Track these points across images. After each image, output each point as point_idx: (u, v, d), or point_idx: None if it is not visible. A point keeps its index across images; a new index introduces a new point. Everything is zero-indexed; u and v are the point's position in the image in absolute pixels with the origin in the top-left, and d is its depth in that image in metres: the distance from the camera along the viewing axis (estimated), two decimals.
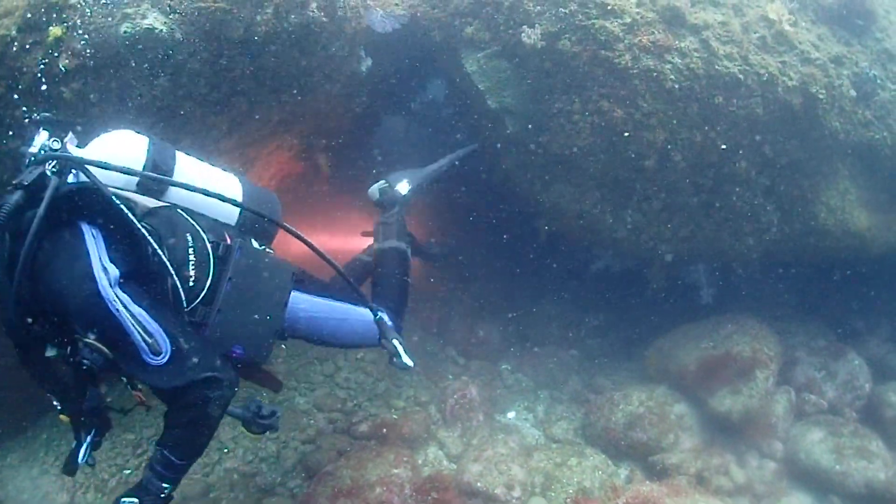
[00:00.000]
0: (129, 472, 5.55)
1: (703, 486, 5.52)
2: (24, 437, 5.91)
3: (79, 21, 4.04)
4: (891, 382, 6.42)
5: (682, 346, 6.59)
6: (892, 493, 5.24)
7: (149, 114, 4.50)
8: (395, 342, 4.42)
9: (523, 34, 5.72)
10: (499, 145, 6.32)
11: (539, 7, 5.73)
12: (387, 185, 5.58)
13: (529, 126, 6.04)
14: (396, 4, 5.92)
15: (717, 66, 5.64)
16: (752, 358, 6.17)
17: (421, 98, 8.14)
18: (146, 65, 4.26)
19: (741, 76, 5.68)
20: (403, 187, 5.59)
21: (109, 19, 4.10)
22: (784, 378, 6.48)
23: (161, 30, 4.15)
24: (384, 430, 5.96)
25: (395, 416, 6.24)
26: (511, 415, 6.72)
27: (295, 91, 5.26)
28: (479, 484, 5.43)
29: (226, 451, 5.75)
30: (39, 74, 3.99)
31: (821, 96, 5.80)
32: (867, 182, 6.27)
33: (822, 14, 6.23)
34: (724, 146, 5.83)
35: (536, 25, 5.72)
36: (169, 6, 4.20)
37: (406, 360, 4.40)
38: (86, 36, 4.06)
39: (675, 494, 4.74)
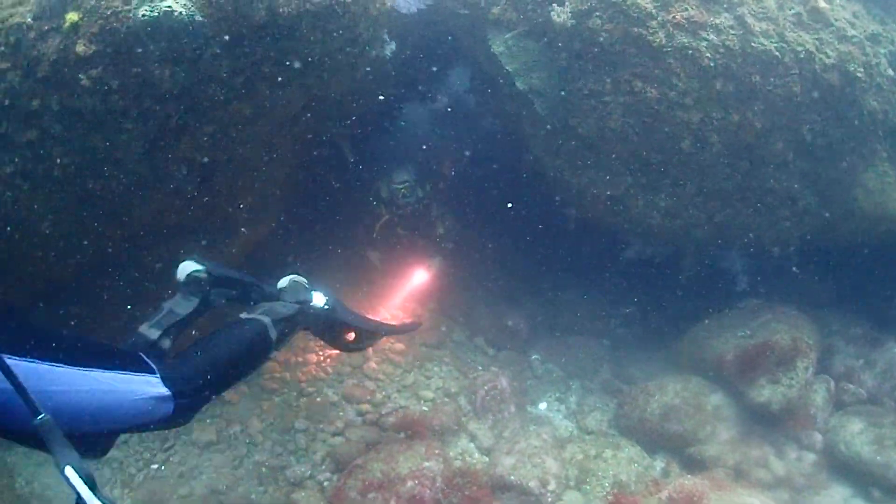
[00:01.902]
0: (156, 466, 5.49)
1: (742, 478, 5.36)
2: None
3: (95, 5, 3.92)
4: None
5: (717, 336, 6.40)
6: None
7: (170, 100, 4.38)
8: None
9: (552, 12, 5.53)
10: (527, 129, 6.15)
11: None
12: (300, 283, 4.45)
13: (559, 108, 5.87)
14: None
15: (753, 44, 5.43)
16: (792, 347, 5.97)
17: (445, 88, 7.99)
18: (166, 49, 4.12)
19: (778, 54, 5.46)
20: (317, 299, 4.43)
21: (127, 3, 3.97)
22: (822, 367, 6.29)
23: (181, 12, 4.01)
24: (414, 421, 5.83)
25: (425, 408, 6.13)
26: (542, 406, 6.58)
27: (318, 75, 5.11)
28: (512, 477, 5.29)
29: (255, 444, 5.67)
30: (57, 61, 3.88)
31: (859, 74, 5.57)
32: None
33: None
34: (760, 126, 5.62)
35: (566, 3, 5.54)
36: None
37: None
38: (102, 20, 3.94)
39: (717, 489, 4.59)
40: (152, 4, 3.93)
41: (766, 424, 5.89)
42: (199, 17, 4.10)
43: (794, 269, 6.81)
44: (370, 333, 4.82)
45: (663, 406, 5.99)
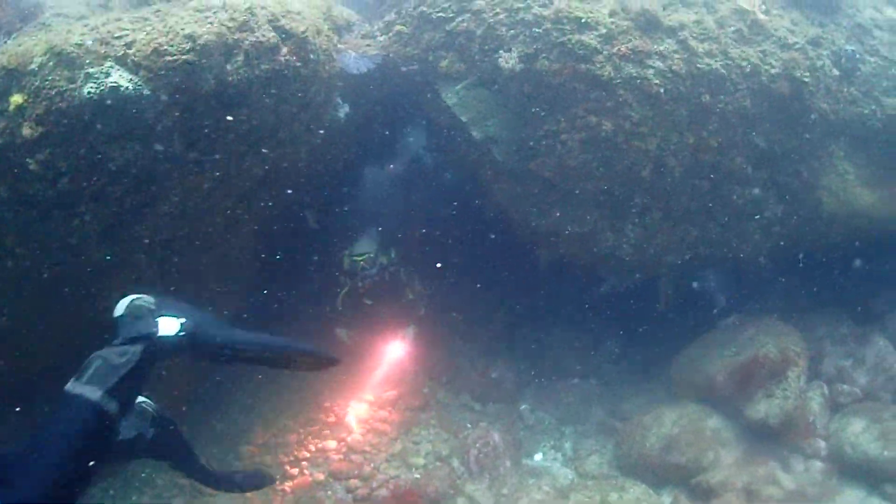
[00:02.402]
0: None
1: (754, 499, 5.18)
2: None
3: (40, 85, 3.80)
4: None
5: (705, 357, 6.33)
6: None
7: (123, 181, 4.22)
8: None
9: (500, 59, 5.61)
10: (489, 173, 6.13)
11: (512, 31, 5.63)
12: (142, 307, 3.26)
13: (518, 153, 5.88)
14: (368, 45, 5.78)
15: (698, 65, 5.57)
16: (782, 358, 5.94)
17: (403, 147, 7.98)
18: (116, 127, 4.00)
19: (724, 71, 5.61)
20: (170, 327, 3.21)
21: (72, 81, 3.86)
22: (813, 372, 6.25)
23: (127, 87, 3.92)
24: (407, 491, 5.54)
25: (416, 476, 5.84)
26: (538, 457, 6.35)
27: (275, 143, 5.02)
28: None
29: None
30: (3, 146, 3.72)
31: (806, 79, 5.75)
32: (863, 159, 6.17)
33: None
34: (716, 144, 5.71)
35: (512, 49, 5.62)
36: (134, 61, 3.98)
37: None
38: (47, 101, 3.82)
39: None
40: (98, 81, 3.83)
41: (768, 439, 5.78)
42: (146, 91, 4.01)
43: (781, 279, 6.83)
44: (279, 358, 3.47)
45: (662, 438, 5.84)
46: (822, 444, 5.66)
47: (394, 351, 7.07)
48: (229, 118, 4.44)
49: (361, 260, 6.88)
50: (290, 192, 6.09)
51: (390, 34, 6.11)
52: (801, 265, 6.83)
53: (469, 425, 6.55)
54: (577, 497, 5.49)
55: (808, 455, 5.65)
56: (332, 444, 6.16)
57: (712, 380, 6.06)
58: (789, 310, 6.73)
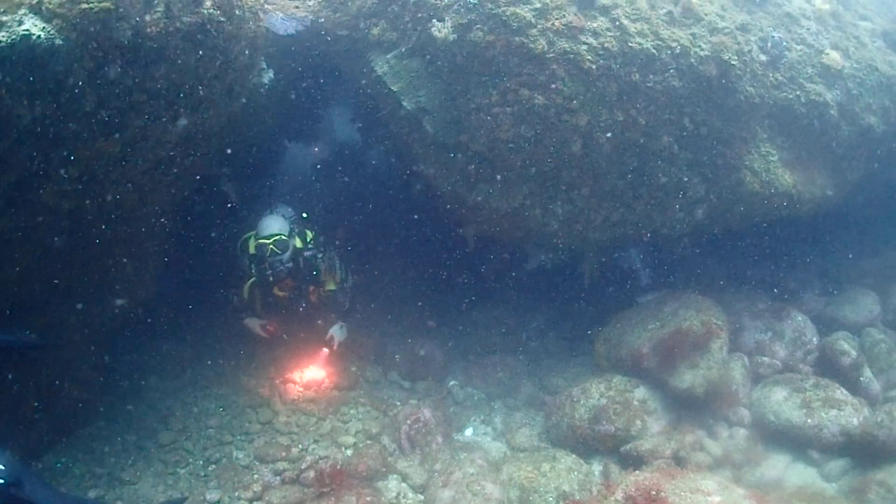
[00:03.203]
0: None
1: (683, 465, 5.34)
2: None
3: None
4: (836, 332, 6.54)
5: (629, 332, 6.46)
6: (870, 435, 5.23)
7: (30, 139, 3.82)
8: None
9: (433, 28, 5.48)
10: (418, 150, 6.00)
11: (446, 0, 5.50)
12: None
13: (449, 124, 5.77)
14: (297, 7, 5.51)
15: (630, 44, 5.61)
16: (704, 330, 6.13)
17: (328, 117, 7.69)
18: (24, 80, 3.60)
19: (655, 51, 5.67)
20: None
21: None
22: (734, 345, 6.47)
23: (39, 36, 3.54)
24: (338, 471, 5.36)
25: (348, 454, 5.69)
26: (469, 431, 6.33)
27: (194, 105, 4.69)
28: None
29: None
30: None
31: (733, 63, 5.89)
32: (786, 142, 6.42)
33: None
34: (644, 122, 5.80)
35: (446, 18, 5.50)
36: (48, 9, 3.59)
37: None
38: None
39: (670, 478, 4.50)
40: (10, 30, 3.43)
41: (693, 409, 5.96)
42: (58, 41, 3.63)
43: (701, 256, 7.02)
44: None
45: (591, 409, 5.92)
46: (746, 412, 5.88)
47: (320, 357, 6.47)
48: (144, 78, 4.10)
49: (270, 243, 6.01)
50: (208, 162, 5.76)
51: None
52: (721, 242, 7.10)
53: (398, 403, 6.46)
54: (510, 469, 5.49)
55: (733, 423, 5.85)
56: (256, 427, 5.91)
57: (637, 352, 6.19)
58: (708, 287, 6.95)
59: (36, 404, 5.11)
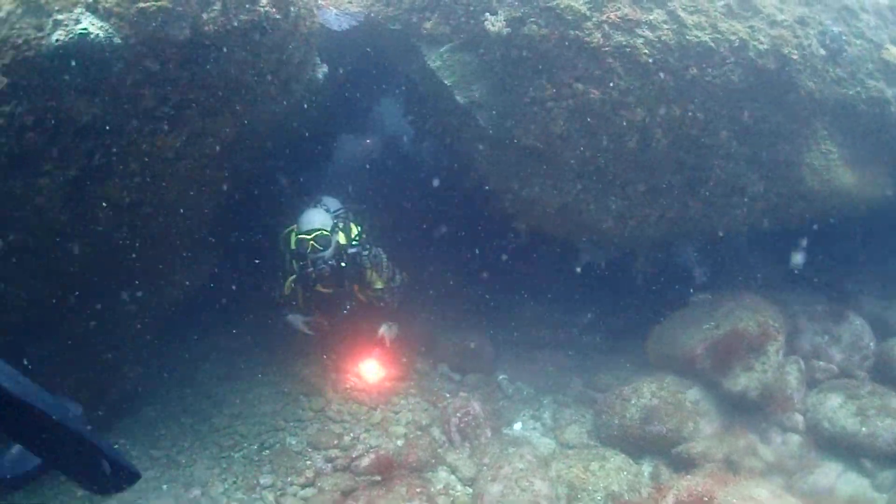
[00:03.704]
0: None
1: (734, 470, 5.22)
2: None
3: (6, 34, 3.51)
4: (894, 338, 6.31)
5: (684, 331, 6.33)
6: None
7: (91, 135, 3.96)
8: None
9: (486, 22, 5.44)
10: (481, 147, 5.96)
11: None
12: None
13: (502, 118, 5.74)
14: (350, 2, 5.54)
15: (688, 37, 5.48)
16: (761, 332, 5.98)
17: (381, 111, 7.72)
18: (84, 78, 3.73)
19: (713, 44, 5.53)
20: None
21: (39, 29, 3.58)
22: (790, 348, 6.31)
23: (97, 35, 3.65)
24: (389, 461, 5.44)
25: (398, 444, 5.75)
26: (518, 426, 6.31)
27: (250, 101, 4.78)
28: None
29: None
30: None
31: (794, 57, 5.71)
32: (846, 139, 6.19)
33: None
34: (702, 117, 5.65)
35: (499, 12, 5.46)
36: (105, 8, 3.70)
37: None
38: (13, 51, 3.53)
39: (722, 484, 4.41)
40: (67, 28, 3.55)
41: (746, 412, 5.83)
42: (117, 40, 3.74)
43: (758, 255, 6.86)
44: None
45: (642, 409, 5.83)
46: (800, 418, 5.73)
47: (373, 356, 6.32)
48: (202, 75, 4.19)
49: (310, 239, 5.77)
50: (262, 155, 5.86)
51: None
52: (778, 242, 6.88)
53: (448, 395, 6.48)
54: (559, 466, 5.46)
55: (786, 428, 5.71)
56: (309, 414, 6.02)
57: (691, 352, 6.07)
58: (764, 286, 6.77)
59: (95, 385, 5.31)
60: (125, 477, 2.40)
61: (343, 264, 5.89)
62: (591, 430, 6.12)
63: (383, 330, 6.22)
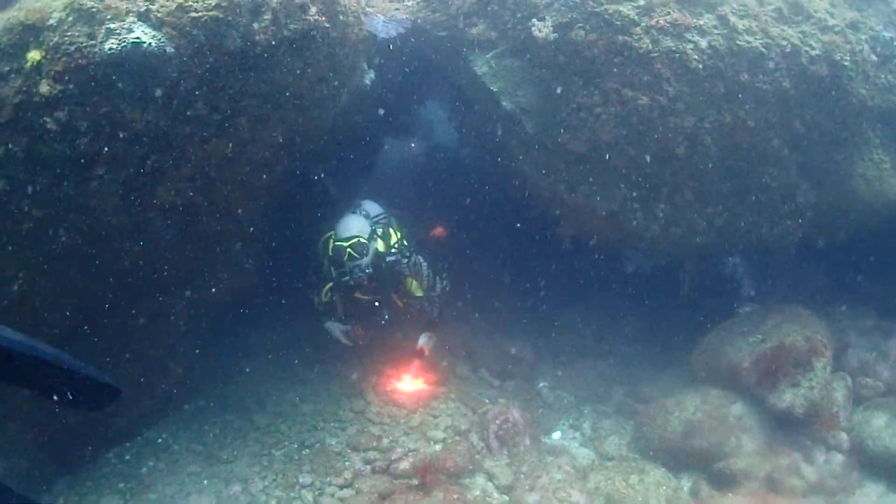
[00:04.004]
0: None
1: (776, 489, 5.09)
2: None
3: (59, 41, 3.65)
4: None
5: (729, 344, 6.19)
6: None
7: (143, 141, 4.09)
8: None
9: (533, 28, 5.43)
10: (521, 154, 5.93)
11: None
12: None
13: (549, 124, 5.71)
14: (397, 9, 5.59)
15: (738, 42, 5.38)
16: (808, 347, 5.81)
17: (427, 117, 7.74)
18: (136, 86, 3.85)
19: (764, 50, 5.41)
20: None
21: (92, 38, 3.70)
22: (837, 364, 6.12)
23: (150, 44, 3.76)
24: (427, 465, 5.45)
25: (436, 449, 5.77)
26: (557, 435, 6.26)
27: (299, 108, 4.87)
28: None
29: None
30: (20, 104, 3.58)
31: (846, 63, 5.55)
32: None
33: None
34: (753, 124, 5.52)
35: (546, 17, 5.43)
36: (157, 17, 3.81)
37: None
38: (66, 58, 3.67)
39: None
40: (119, 37, 3.67)
41: (790, 429, 5.67)
42: (169, 49, 3.85)
43: (794, 267, 6.67)
44: None
45: (684, 422, 5.73)
46: (845, 436, 5.56)
47: (412, 367, 6.29)
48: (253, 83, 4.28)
49: (347, 246, 5.69)
50: (310, 160, 5.94)
51: None
52: (828, 254, 6.68)
53: (488, 401, 6.46)
54: (597, 478, 5.41)
55: (831, 447, 5.55)
56: (349, 415, 6.08)
57: (737, 366, 5.93)
58: (812, 299, 6.59)
59: (142, 380, 5.47)
60: (108, 393, 2.49)
61: (381, 272, 5.83)
62: (630, 442, 6.03)
63: (423, 341, 6.20)
